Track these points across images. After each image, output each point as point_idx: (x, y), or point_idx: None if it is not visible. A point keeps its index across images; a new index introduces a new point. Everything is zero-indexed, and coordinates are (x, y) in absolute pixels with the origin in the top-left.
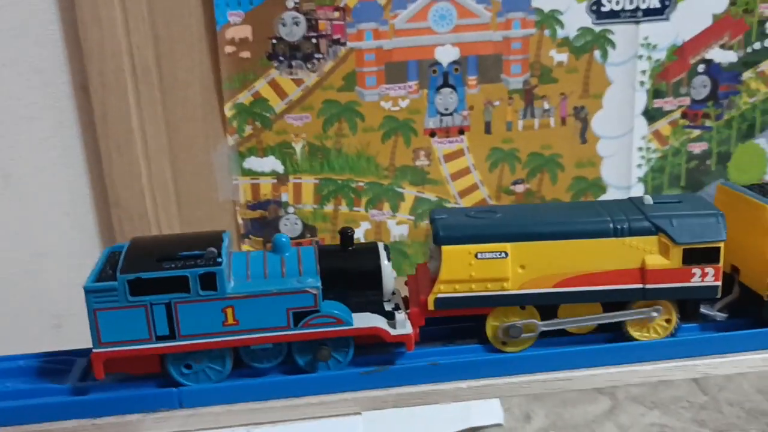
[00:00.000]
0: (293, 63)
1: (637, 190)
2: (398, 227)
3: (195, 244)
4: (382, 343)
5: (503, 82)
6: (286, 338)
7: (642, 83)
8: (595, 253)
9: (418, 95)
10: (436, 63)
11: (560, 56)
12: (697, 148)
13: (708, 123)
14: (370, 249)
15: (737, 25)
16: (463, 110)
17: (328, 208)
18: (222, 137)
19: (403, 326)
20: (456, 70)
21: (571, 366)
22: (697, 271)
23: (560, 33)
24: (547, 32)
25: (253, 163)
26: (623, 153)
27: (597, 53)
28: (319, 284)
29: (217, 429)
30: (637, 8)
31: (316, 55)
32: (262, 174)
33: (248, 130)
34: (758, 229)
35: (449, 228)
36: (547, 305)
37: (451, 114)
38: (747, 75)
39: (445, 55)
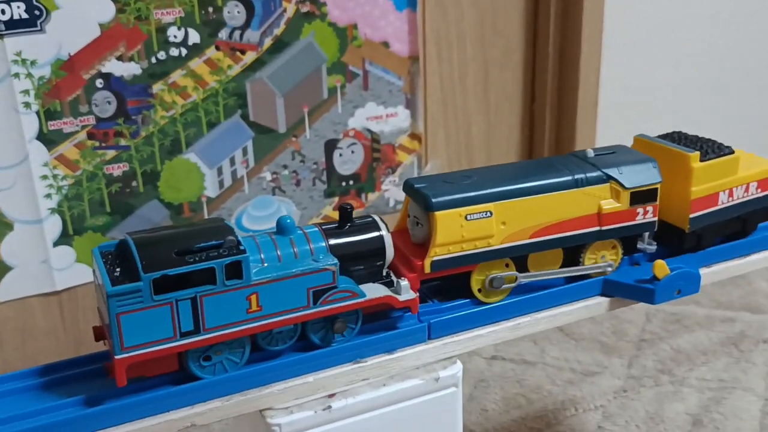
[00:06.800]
0: None
1: (53, 223)
2: None
3: (205, 234)
4: (385, 310)
5: None
6: (307, 317)
7: (27, 104)
8: (562, 203)
9: None
10: None
11: None
12: (117, 169)
13: (123, 142)
14: (371, 223)
15: (132, 34)
16: None
17: None
18: None
19: (408, 292)
20: None
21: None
22: (640, 210)
23: None
24: None
25: None
26: (23, 184)
27: None
28: (337, 261)
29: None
30: None
31: None
32: None
33: None
34: (680, 174)
35: (439, 194)
36: (523, 255)
37: None
38: (158, 87)
39: None
